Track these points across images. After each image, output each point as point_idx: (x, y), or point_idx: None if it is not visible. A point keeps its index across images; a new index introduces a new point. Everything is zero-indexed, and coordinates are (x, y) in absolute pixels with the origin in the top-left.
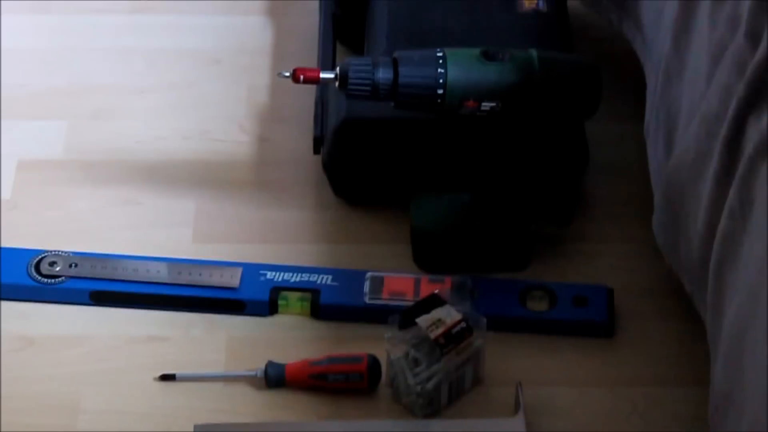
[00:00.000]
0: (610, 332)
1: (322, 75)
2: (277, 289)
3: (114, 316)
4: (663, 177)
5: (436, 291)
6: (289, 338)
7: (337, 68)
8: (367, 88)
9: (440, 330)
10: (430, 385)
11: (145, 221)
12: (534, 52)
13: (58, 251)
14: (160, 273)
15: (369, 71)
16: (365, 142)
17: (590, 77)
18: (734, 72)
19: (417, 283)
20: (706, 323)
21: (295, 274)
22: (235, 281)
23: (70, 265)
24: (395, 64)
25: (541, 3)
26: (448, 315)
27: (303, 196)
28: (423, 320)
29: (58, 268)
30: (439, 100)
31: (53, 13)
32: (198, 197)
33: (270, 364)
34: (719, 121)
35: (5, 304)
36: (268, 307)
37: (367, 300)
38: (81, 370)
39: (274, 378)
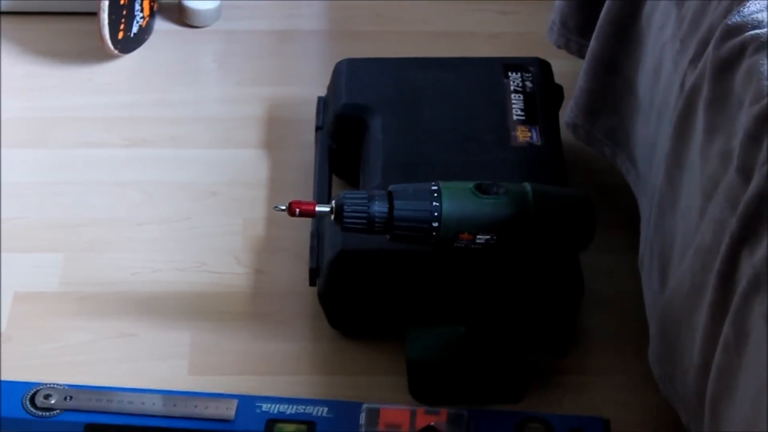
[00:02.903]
0: None
1: (318, 208)
2: (272, 422)
3: None
4: (658, 309)
5: (432, 423)
6: None
7: (333, 202)
8: (363, 221)
9: None
10: None
11: (140, 353)
12: (528, 186)
13: (53, 384)
14: (155, 405)
15: (364, 205)
16: (361, 274)
17: (584, 210)
18: (727, 207)
19: (413, 415)
20: None
21: (290, 406)
22: (230, 413)
23: (65, 398)
24: (390, 198)
25: (534, 136)
26: None
27: (299, 327)
28: None
29: (53, 401)
30: (434, 233)
31: (50, 147)
32: (194, 329)
33: None
34: (713, 255)
35: None
36: None
37: None
38: None
39: None
